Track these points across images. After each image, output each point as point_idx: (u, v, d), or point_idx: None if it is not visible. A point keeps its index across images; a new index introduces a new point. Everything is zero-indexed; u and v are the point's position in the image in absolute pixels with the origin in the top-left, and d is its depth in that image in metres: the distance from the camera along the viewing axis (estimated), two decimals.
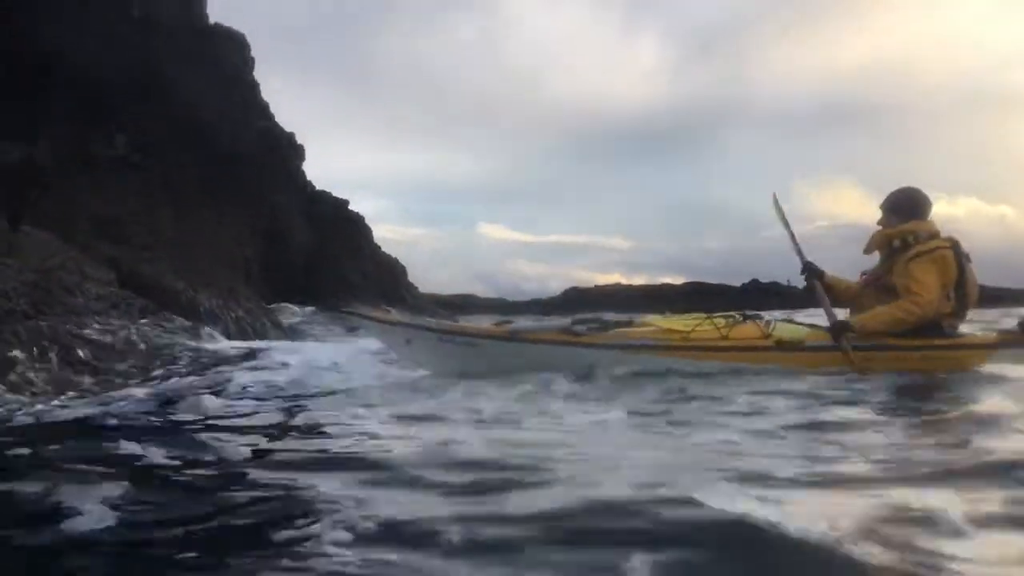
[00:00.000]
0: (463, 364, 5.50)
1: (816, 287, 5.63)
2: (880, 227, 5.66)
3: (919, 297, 5.19)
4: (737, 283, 53.91)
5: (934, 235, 5.46)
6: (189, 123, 15.96)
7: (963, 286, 5.36)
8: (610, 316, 6.04)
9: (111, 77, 14.93)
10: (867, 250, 5.74)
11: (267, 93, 19.83)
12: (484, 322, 8.24)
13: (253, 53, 19.87)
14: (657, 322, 5.69)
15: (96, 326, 9.18)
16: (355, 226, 22.15)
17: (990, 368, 5.08)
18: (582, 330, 5.53)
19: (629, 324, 5.73)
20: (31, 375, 7.58)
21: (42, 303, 9.63)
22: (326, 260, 19.30)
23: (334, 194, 21.47)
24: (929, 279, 5.22)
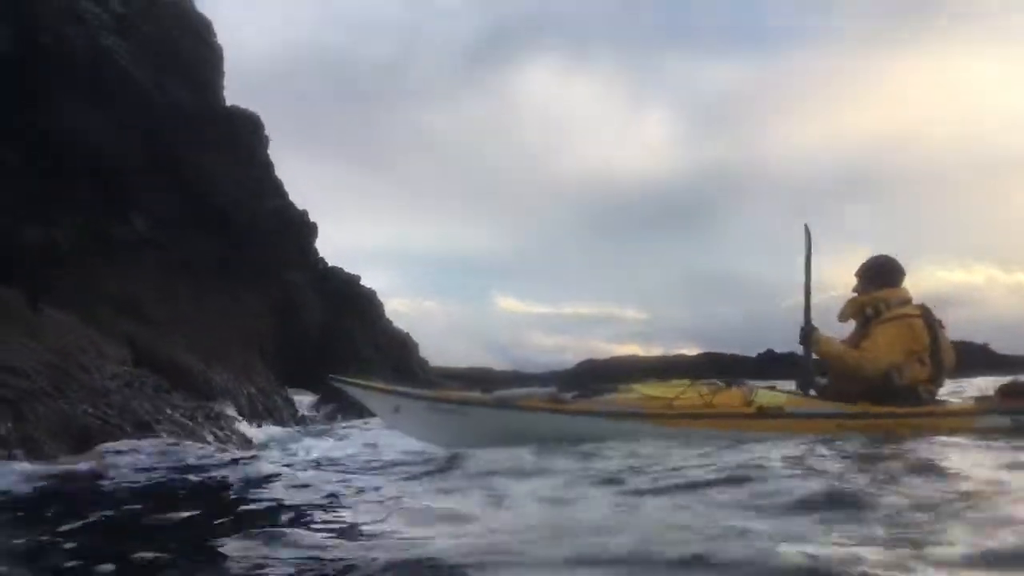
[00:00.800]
0: (452, 433, 5.54)
1: (808, 340, 5.64)
2: (855, 294, 5.78)
3: (866, 353, 5.26)
4: (753, 353, 53.67)
5: (905, 302, 5.56)
6: (205, 203, 16.30)
7: (937, 352, 5.41)
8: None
9: (130, 161, 15.34)
10: (841, 317, 5.83)
11: (281, 170, 20.26)
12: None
13: (268, 131, 20.39)
14: (641, 389, 5.66)
15: (110, 408, 9.24)
16: (367, 301, 22.32)
17: (968, 434, 5.07)
18: (567, 397, 5.58)
19: (615, 391, 5.69)
20: (52, 450, 7.62)
21: (61, 382, 9.72)
22: (339, 336, 19.40)
23: (347, 268, 21.72)
24: (883, 341, 5.29)
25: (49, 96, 15.14)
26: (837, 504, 3.10)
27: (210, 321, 14.42)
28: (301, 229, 19.38)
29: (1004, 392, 5.44)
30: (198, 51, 19.86)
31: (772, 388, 5.70)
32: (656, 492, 3.50)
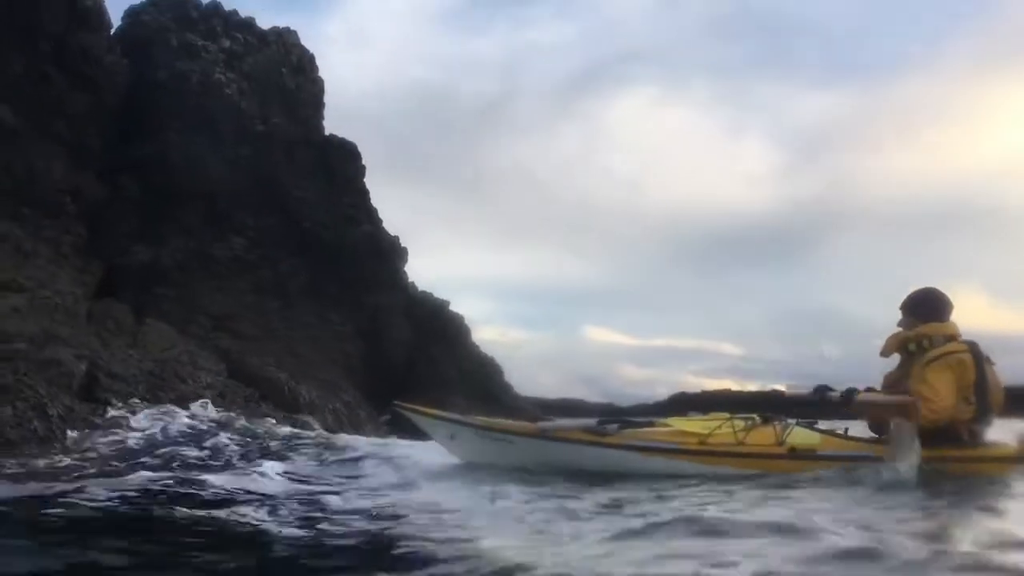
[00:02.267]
0: (499, 457, 5.80)
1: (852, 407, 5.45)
2: (900, 328, 5.53)
3: (931, 403, 5.03)
4: None
5: (951, 338, 5.31)
6: (300, 227, 17.12)
7: (984, 390, 5.17)
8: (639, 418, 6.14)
9: (232, 186, 16.32)
10: (883, 353, 5.61)
11: (377, 199, 21.04)
12: None
13: (366, 161, 21.27)
14: (677, 423, 5.73)
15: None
16: (455, 326, 22.76)
17: (1007, 478, 4.89)
18: (606, 430, 5.65)
19: (651, 425, 5.81)
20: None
21: (158, 389, 10.45)
22: (424, 358, 19.88)
23: (438, 292, 22.22)
24: (942, 386, 5.07)
25: (162, 127, 16.31)
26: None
27: (299, 339, 15.12)
28: (391, 254, 20.04)
29: None
30: (300, 84, 20.96)
31: (811, 424, 5.60)
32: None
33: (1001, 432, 5.50)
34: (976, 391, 5.13)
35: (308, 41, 24.08)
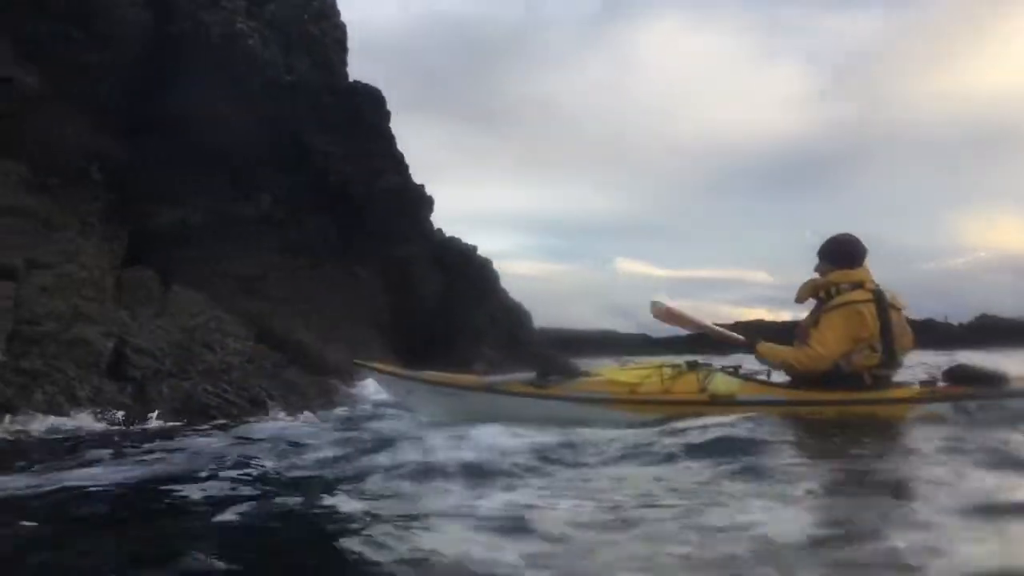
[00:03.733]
0: (452, 412, 6.18)
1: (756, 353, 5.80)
2: (816, 273, 5.80)
3: (812, 351, 5.32)
4: None
5: (857, 285, 5.48)
6: (326, 182, 17.02)
7: (889, 337, 5.37)
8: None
9: (256, 142, 16.18)
10: (798, 299, 5.89)
11: (404, 138, 20.79)
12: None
13: (392, 101, 20.93)
14: (610, 374, 6.16)
15: (228, 387, 9.99)
16: (483, 272, 22.74)
17: (909, 420, 5.13)
18: (546, 382, 6.06)
19: (587, 375, 6.23)
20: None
21: (186, 362, 10.57)
22: (455, 308, 19.93)
23: (472, 231, 22.30)
24: (831, 334, 5.32)
25: (185, 82, 16.14)
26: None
27: (328, 298, 15.17)
28: (419, 203, 19.91)
29: (948, 377, 5.45)
30: (324, 29, 20.57)
31: (735, 370, 5.88)
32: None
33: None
34: (881, 338, 5.39)
35: None
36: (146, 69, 15.58)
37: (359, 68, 21.50)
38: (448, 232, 24.59)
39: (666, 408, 5.61)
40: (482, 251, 25.61)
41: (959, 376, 5.50)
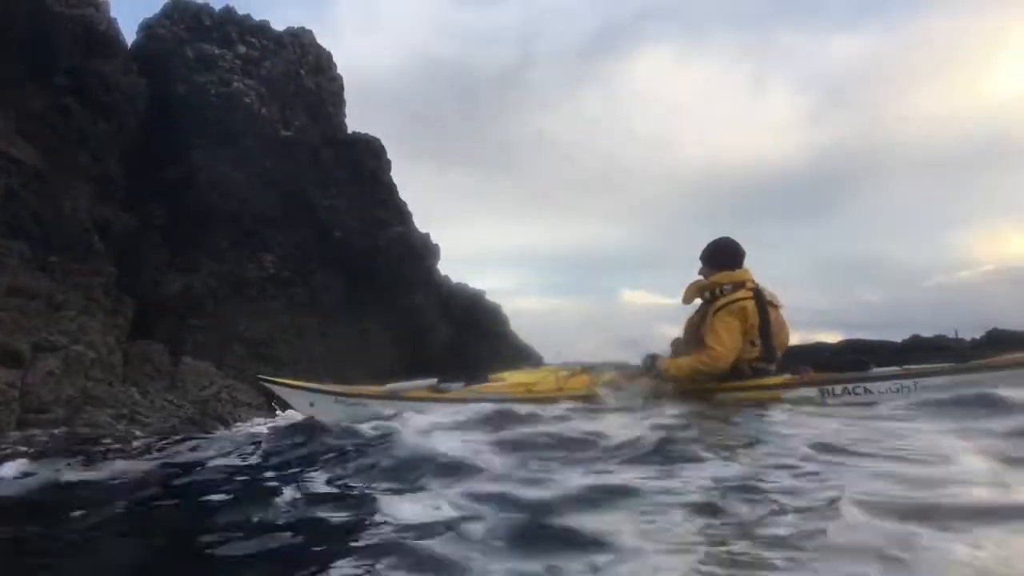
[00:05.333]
0: (354, 420, 6.18)
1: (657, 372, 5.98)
2: (700, 276, 6.03)
3: (713, 351, 5.57)
4: (898, 338, 50.76)
5: (740, 284, 5.77)
6: (332, 237, 16.93)
7: (767, 333, 5.66)
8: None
9: (259, 202, 16.15)
10: (684, 300, 6.12)
11: (405, 185, 20.75)
12: None
13: (390, 147, 20.94)
14: (508, 376, 6.38)
15: None
16: (492, 315, 22.60)
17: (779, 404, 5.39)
18: (447, 387, 6.25)
19: (487, 380, 6.40)
20: None
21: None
22: (466, 353, 19.74)
23: (475, 271, 22.31)
24: (726, 333, 5.59)
25: (185, 146, 16.14)
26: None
27: (338, 355, 15.00)
28: (424, 252, 19.83)
29: (816, 366, 5.90)
30: (320, 83, 20.64)
31: (623, 368, 6.14)
32: None
33: None
34: (760, 333, 5.67)
35: (318, 25, 23.65)
36: (145, 136, 15.58)
37: (356, 121, 21.52)
38: (453, 272, 24.55)
39: (559, 405, 5.87)
40: (487, 288, 25.65)
41: (825, 366, 5.99)
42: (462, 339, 20.13)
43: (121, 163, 14.75)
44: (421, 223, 21.72)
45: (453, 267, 23.73)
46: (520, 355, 23.22)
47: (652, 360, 5.94)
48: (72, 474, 4.93)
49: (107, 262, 12.62)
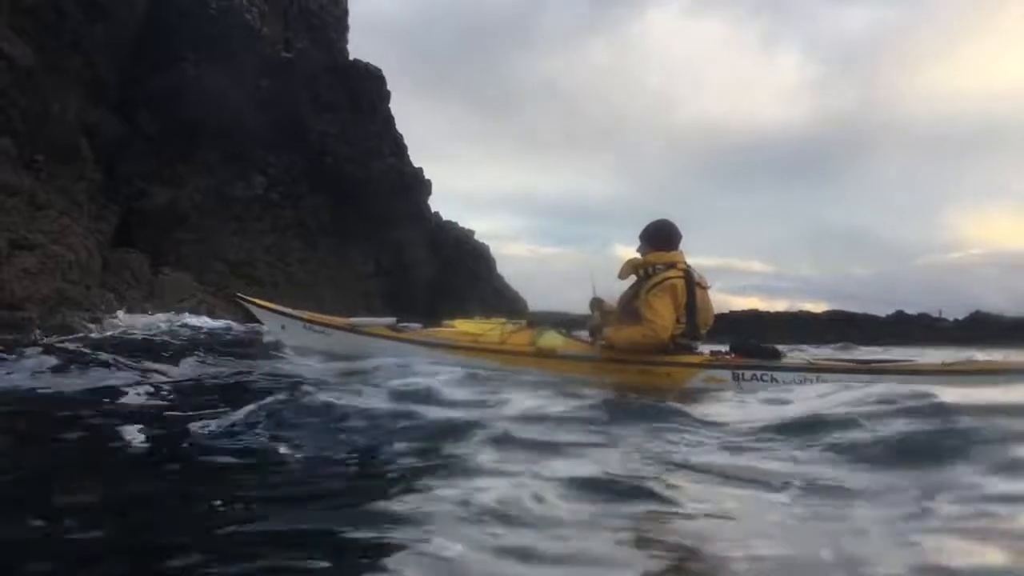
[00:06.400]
0: (320, 346, 6.67)
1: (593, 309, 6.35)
2: (638, 254, 6.28)
3: (654, 323, 5.88)
4: (883, 313, 51.08)
5: (672, 264, 6.08)
6: (322, 162, 16.82)
7: (693, 311, 5.97)
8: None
9: (254, 120, 15.98)
10: (620, 276, 6.37)
11: (405, 121, 20.61)
12: None
13: (392, 83, 20.75)
14: (460, 324, 6.59)
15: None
16: (479, 257, 22.60)
17: (695, 381, 5.82)
18: (405, 327, 6.57)
19: (440, 325, 6.70)
20: None
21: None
22: (449, 291, 19.80)
23: (465, 211, 22.31)
24: (661, 308, 5.91)
25: (181, 58, 15.91)
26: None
27: (320, 281, 15.04)
28: (415, 186, 19.75)
29: (733, 348, 6.20)
30: (324, 6, 20.30)
31: (567, 331, 6.41)
32: None
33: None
34: (686, 311, 5.97)
35: None
36: (141, 44, 15.35)
37: (359, 48, 21.29)
38: (445, 214, 24.49)
39: (499, 356, 6.18)
40: (479, 233, 25.62)
41: (743, 349, 6.24)
42: (447, 276, 20.17)
43: (114, 68, 14.56)
44: (417, 158, 21.67)
45: (447, 206, 23.75)
46: (503, 298, 23.32)
47: (598, 303, 6.25)
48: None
49: (94, 167, 12.55)
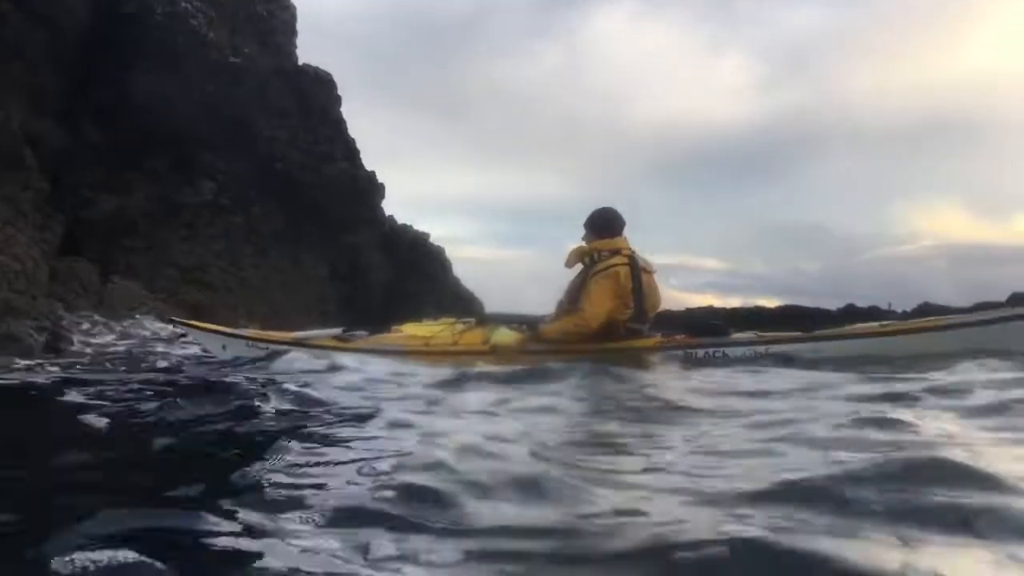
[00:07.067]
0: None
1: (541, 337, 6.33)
2: (583, 242, 6.40)
3: (584, 312, 6.00)
4: (834, 307, 52.26)
5: (616, 252, 6.19)
6: (273, 168, 16.79)
7: (639, 296, 6.10)
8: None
9: (202, 126, 15.90)
10: (567, 264, 6.47)
11: (356, 126, 20.58)
12: None
13: (343, 88, 20.75)
14: (408, 329, 6.57)
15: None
16: (434, 260, 22.66)
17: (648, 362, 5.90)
18: (352, 336, 6.53)
19: (389, 331, 6.61)
20: None
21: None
22: (405, 294, 19.85)
23: (425, 217, 22.27)
24: (599, 296, 6.01)
25: (127, 65, 15.76)
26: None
27: (273, 286, 15.02)
28: (369, 190, 19.77)
29: (685, 329, 6.38)
30: (272, 11, 20.24)
31: (520, 326, 6.41)
32: None
33: None
34: (633, 296, 6.10)
35: None
36: (86, 52, 15.19)
37: (308, 53, 21.23)
38: (400, 217, 24.54)
39: (454, 358, 6.11)
40: (434, 237, 25.68)
41: (695, 330, 6.38)
42: (402, 280, 20.22)
43: (58, 76, 14.40)
44: (370, 162, 21.70)
45: (400, 210, 23.76)
46: (461, 301, 23.41)
47: (534, 327, 6.27)
48: None
49: (39, 177, 12.40)
